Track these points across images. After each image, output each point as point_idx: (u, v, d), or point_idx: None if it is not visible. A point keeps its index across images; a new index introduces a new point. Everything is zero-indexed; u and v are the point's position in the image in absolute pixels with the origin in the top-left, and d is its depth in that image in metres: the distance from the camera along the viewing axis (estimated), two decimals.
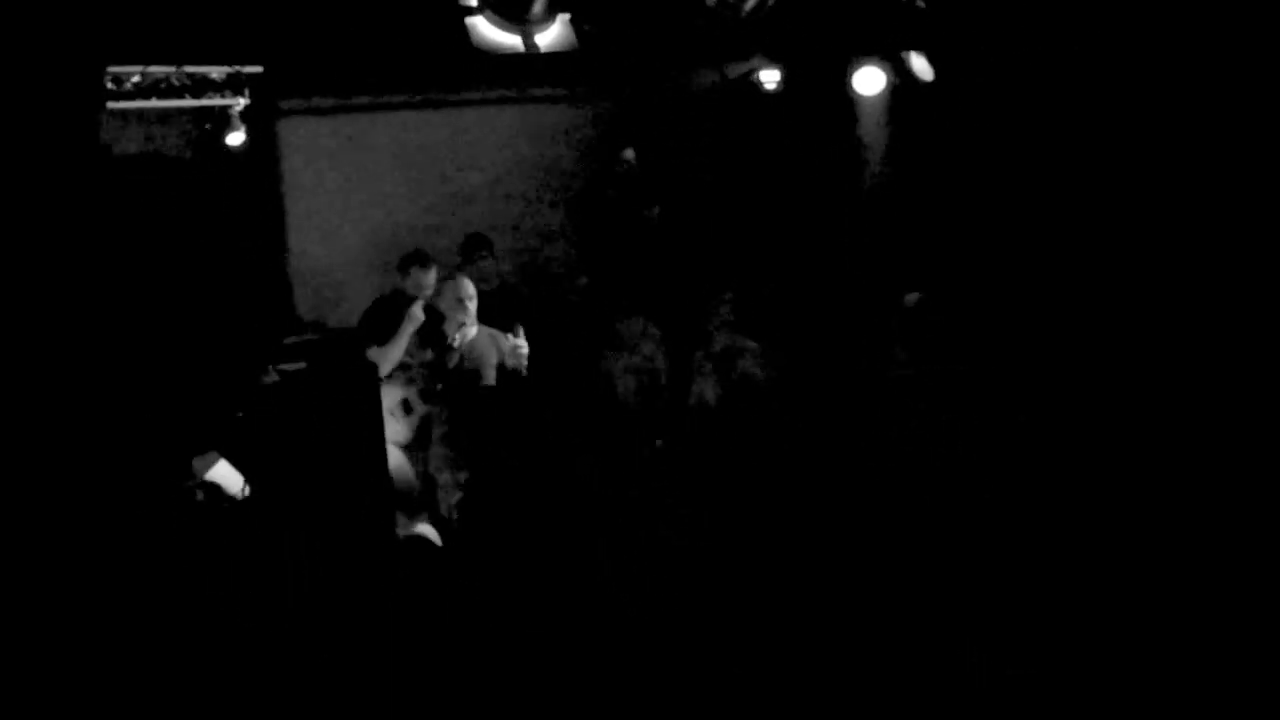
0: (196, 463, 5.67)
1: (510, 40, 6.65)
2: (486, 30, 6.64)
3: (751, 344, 7.78)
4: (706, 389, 7.68)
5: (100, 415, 5.73)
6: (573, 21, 6.86)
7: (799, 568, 5.95)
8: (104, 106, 6.87)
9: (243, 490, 5.65)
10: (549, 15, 6.70)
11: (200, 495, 6.01)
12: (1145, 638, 5.16)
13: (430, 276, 7.36)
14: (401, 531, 5.75)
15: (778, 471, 6.64)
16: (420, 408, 6.53)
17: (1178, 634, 5.14)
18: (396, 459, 5.78)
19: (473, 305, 6.96)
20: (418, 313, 6.67)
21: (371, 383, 5.77)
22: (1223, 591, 5.32)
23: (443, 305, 6.90)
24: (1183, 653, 5.04)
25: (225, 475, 5.65)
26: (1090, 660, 5.11)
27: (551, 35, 6.76)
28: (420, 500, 6.05)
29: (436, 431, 6.54)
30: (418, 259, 7.44)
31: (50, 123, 4.63)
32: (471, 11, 6.65)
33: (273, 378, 6.41)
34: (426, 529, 5.91)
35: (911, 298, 7.54)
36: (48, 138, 4.65)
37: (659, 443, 7.44)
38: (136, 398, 6.07)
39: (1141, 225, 6.66)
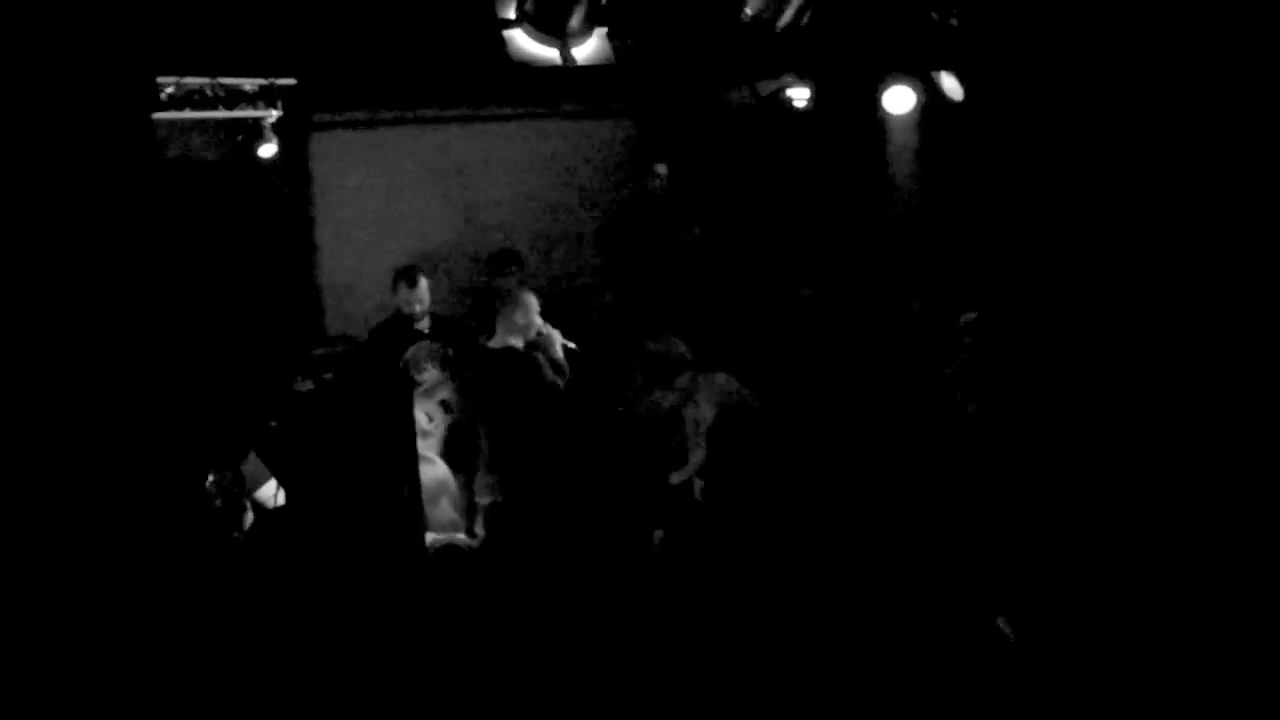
0: (249, 476, 5.67)
1: (547, 53, 6.68)
2: (524, 43, 6.68)
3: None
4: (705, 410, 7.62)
5: (126, 420, 5.72)
6: (609, 36, 6.90)
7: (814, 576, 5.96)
8: (155, 108, 6.92)
9: (275, 500, 5.66)
10: (587, 29, 6.74)
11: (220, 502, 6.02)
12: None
13: (419, 292, 7.45)
14: (435, 541, 5.74)
15: (787, 482, 6.65)
16: (444, 418, 6.51)
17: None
18: (434, 469, 5.79)
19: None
20: None
21: (403, 390, 5.79)
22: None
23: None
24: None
25: (266, 495, 5.66)
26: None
27: (589, 49, 6.79)
28: (456, 509, 6.05)
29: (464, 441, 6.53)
30: (404, 276, 7.56)
31: (105, 125, 4.65)
32: (509, 24, 6.69)
33: (305, 386, 6.44)
34: (460, 538, 5.91)
35: (969, 316, 7.49)
36: (102, 139, 4.67)
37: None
38: (164, 403, 6.08)
39: (1178, 245, 6.64)
